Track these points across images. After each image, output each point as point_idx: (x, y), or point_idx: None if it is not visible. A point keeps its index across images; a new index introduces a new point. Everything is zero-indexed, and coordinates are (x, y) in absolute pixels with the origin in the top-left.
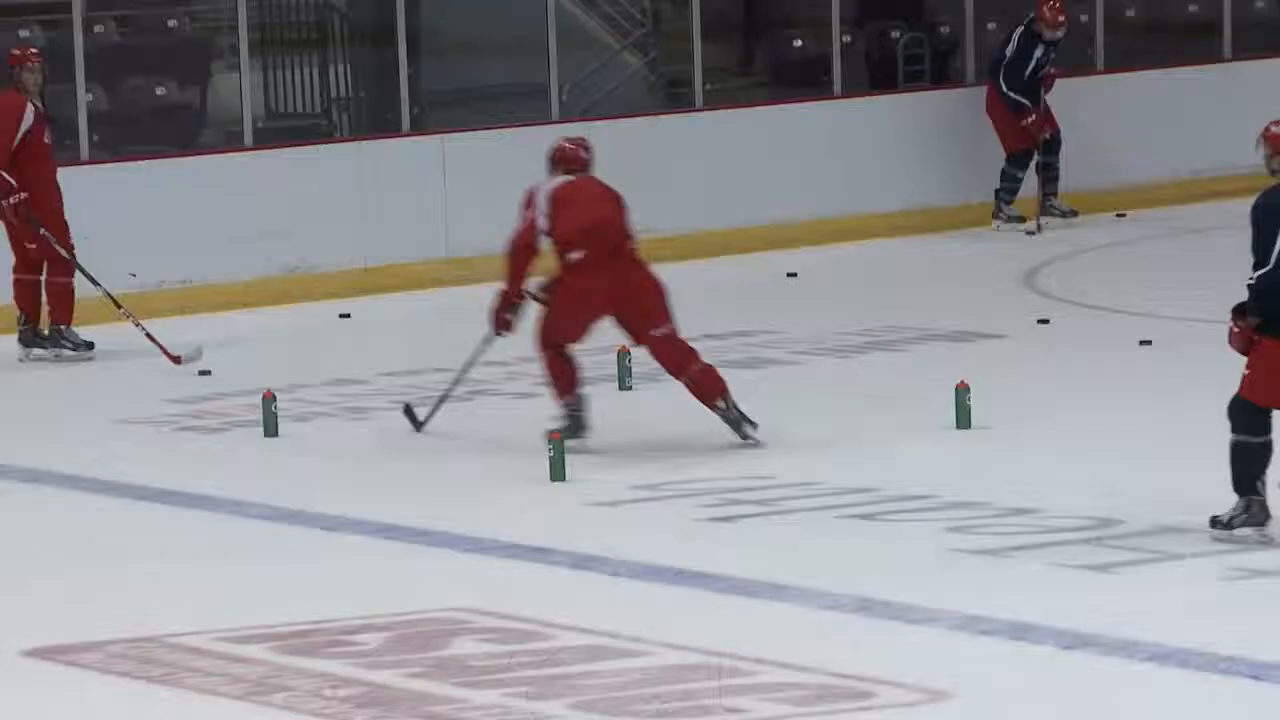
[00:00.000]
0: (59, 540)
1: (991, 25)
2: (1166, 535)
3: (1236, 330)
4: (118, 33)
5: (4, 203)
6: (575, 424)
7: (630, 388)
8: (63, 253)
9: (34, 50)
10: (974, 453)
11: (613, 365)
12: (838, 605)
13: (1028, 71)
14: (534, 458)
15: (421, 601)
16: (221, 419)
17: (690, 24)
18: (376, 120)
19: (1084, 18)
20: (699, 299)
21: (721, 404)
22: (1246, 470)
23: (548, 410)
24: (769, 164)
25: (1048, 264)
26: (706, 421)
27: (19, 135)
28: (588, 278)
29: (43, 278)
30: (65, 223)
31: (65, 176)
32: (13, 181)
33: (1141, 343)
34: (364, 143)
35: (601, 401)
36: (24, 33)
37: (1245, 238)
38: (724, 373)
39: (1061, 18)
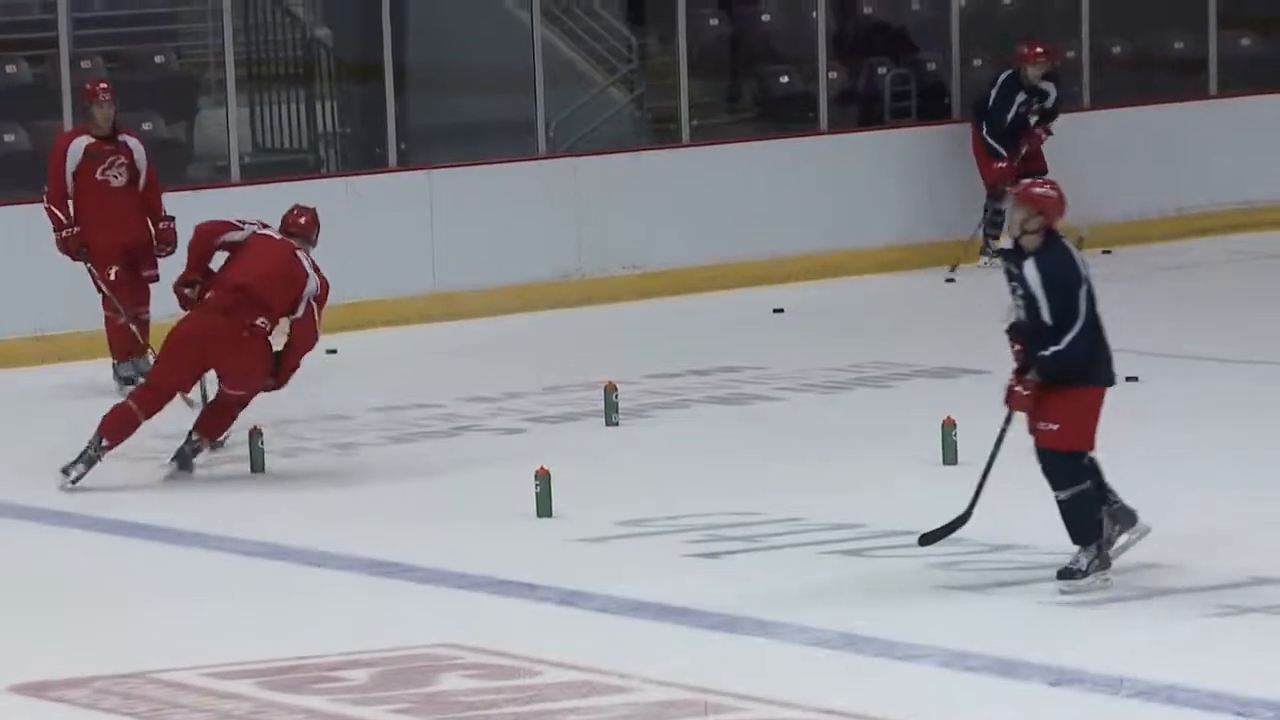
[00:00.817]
0: (45, 576)
1: (978, 62)
2: (1152, 571)
3: (1023, 392)
4: (105, 68)
5: (60, 234)
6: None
7: (617, 423)
8: (104, 289)
9: (104, 85)
10: (960, 489)
11: (600, 401)
12: (824, 641)
13: (1009, 118)
14: (520, 493)
15: (408, 637)
16: (208, 455)
17: (677, 59)
18: (363, 156)
19: (1071, 54)
20: (685, 334)
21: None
22: (1089, 518)
23: (535, 445)
24: (755, 199)
25: None
26: (694, 458)
27: (68, 172)
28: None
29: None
30: (109, 259)
31: (42, 214)
32: (63, 217)
33: (1128, 379)
34: (350, 178)
35: (588, 437)
36: (10, 68)
37: (1235, 274)
38: (708, 409)
39: (1040, 49)
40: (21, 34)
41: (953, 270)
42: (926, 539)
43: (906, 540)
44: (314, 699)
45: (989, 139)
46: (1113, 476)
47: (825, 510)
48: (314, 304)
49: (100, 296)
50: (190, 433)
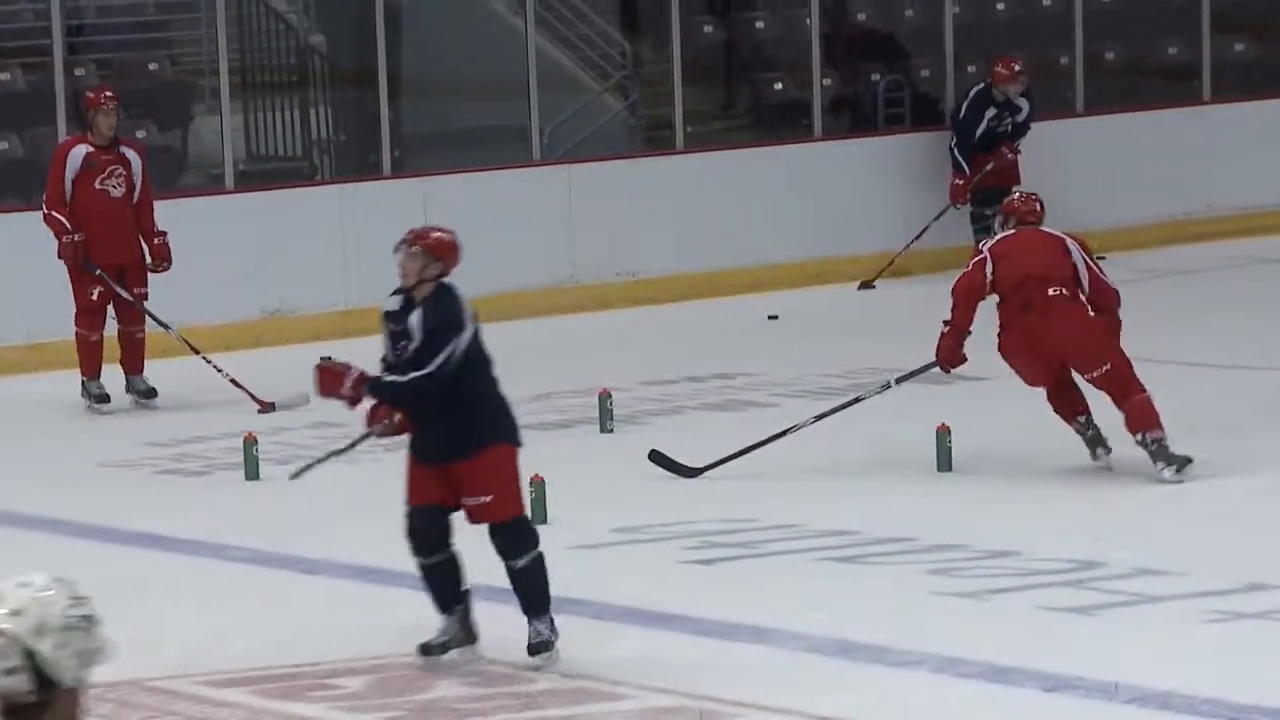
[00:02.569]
0: None
1: (972, 69)
2: (1147, 578)
3: (383, 422)
4: (99, 76)
5: (62, 240)
6: None
7: (611, 430)
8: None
9: (108, 94)
10: (955, 495)
11: (595, 408)
12: (819, 648)
13: (978, 132)
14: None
15: (403, 645)
16: (203, 462)
17: (671, 67)
18: (357, 163)
19: (1064, 60)
20: (679, 341)
21: None
22: (546, 581)
23: (529, 452)
24: (749, 206)
25: None
26: (689, 462)
27: (68, 178)
28: None
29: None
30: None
31: (38, 221)
32: (65, 223)
33: None
34: (345, 185)
35: (583, 444)
36: (4, 75)
37: (1231, 280)
38: (703, 415)
39: (1015, 68)
40: (15, 41)
41: (873, 281)
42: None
43: (901, 547)
44: (308, 707)
45: (954, 151)
46: (1107, 481)
47: (819, 517)
48: None
49: (76, 312)
50: None
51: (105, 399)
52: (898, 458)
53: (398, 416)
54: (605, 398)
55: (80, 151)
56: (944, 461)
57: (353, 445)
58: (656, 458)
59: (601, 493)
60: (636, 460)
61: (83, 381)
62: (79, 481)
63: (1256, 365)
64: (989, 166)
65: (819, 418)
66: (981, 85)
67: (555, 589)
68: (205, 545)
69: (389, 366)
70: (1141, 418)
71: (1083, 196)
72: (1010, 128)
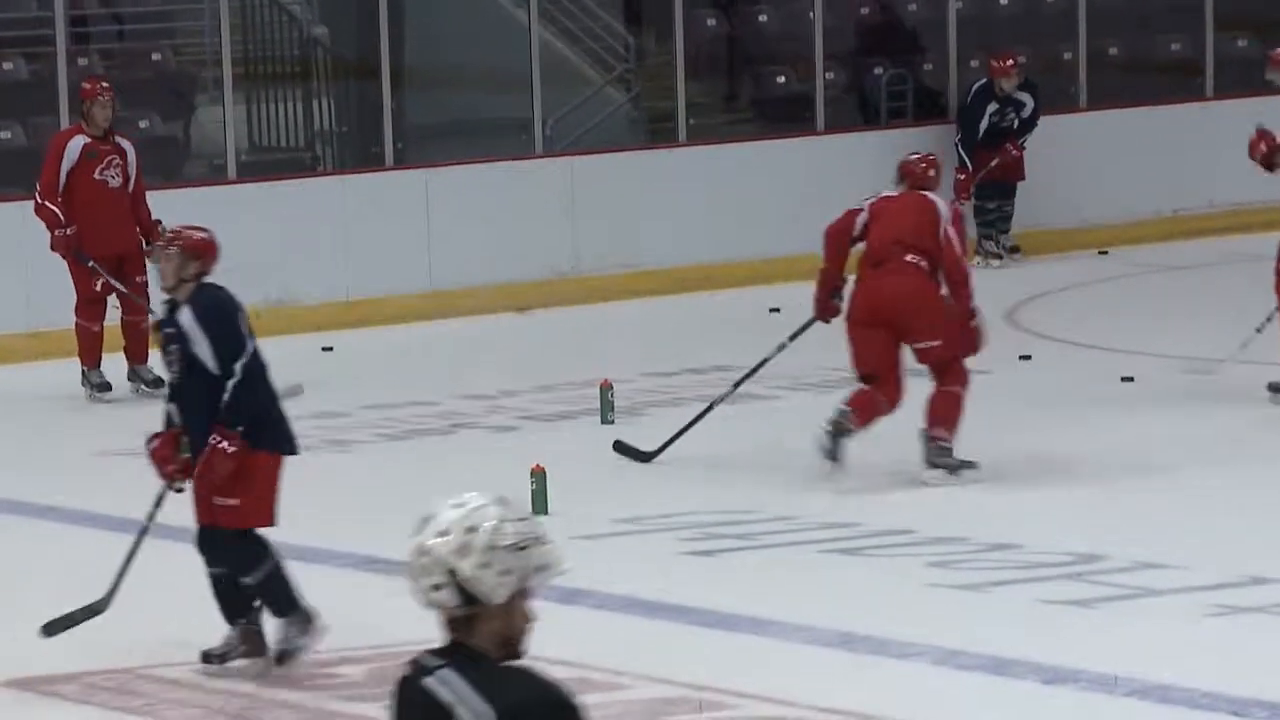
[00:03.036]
0: (36, 571)
1: (974, 63)
2: (1147, 571)
3: (225, 450)
4: (101, 66)
5: (55, 233)
6: None
7: (612, 421)
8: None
9: (105, 85)
10: (956, 488)
11: (596, 399)
12: (819, 639)
13: (981, 128)
14: (516, 491)
15: (403, 634)
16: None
17: (674, 59)
18: (360, 154)
19: (1067, 56)
20: (681, 333)
21: None
22: (287, 587)
23: (530, 443)
24: (752, 199)
25: (1030, 300)
26: (689, 456)
27: (65, 169)
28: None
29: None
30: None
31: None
32: (59, 214)
33: (1124, 379)
34: (347, 176)
35: (584, 435)
36: (7, 65)
37: (1228, 275)
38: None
39: (1011, 62)
40: (18, 31)
41: None
42: (51, 628)
43: (901, 539)
44: (307, 695)
45: (958, 147)
46: (1108, 475)
47: (821, 509)
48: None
49: (77, 302)
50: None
51: (106, 388)
52: (898, 450)
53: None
54: (606, 389)
55: (79, 142)
56: None
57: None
58: (620, 448)
59: (602, 484)
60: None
61: (83, 371)
62: (79, 470)
63: (1254, 360)
64: (993, 163)
65: (736, 385)
66: (984, 81)
67: (557, 579)
68: None
69: (173, 389)
70: (941, 411)
71: (1085, 191)
72: (1015, 123)
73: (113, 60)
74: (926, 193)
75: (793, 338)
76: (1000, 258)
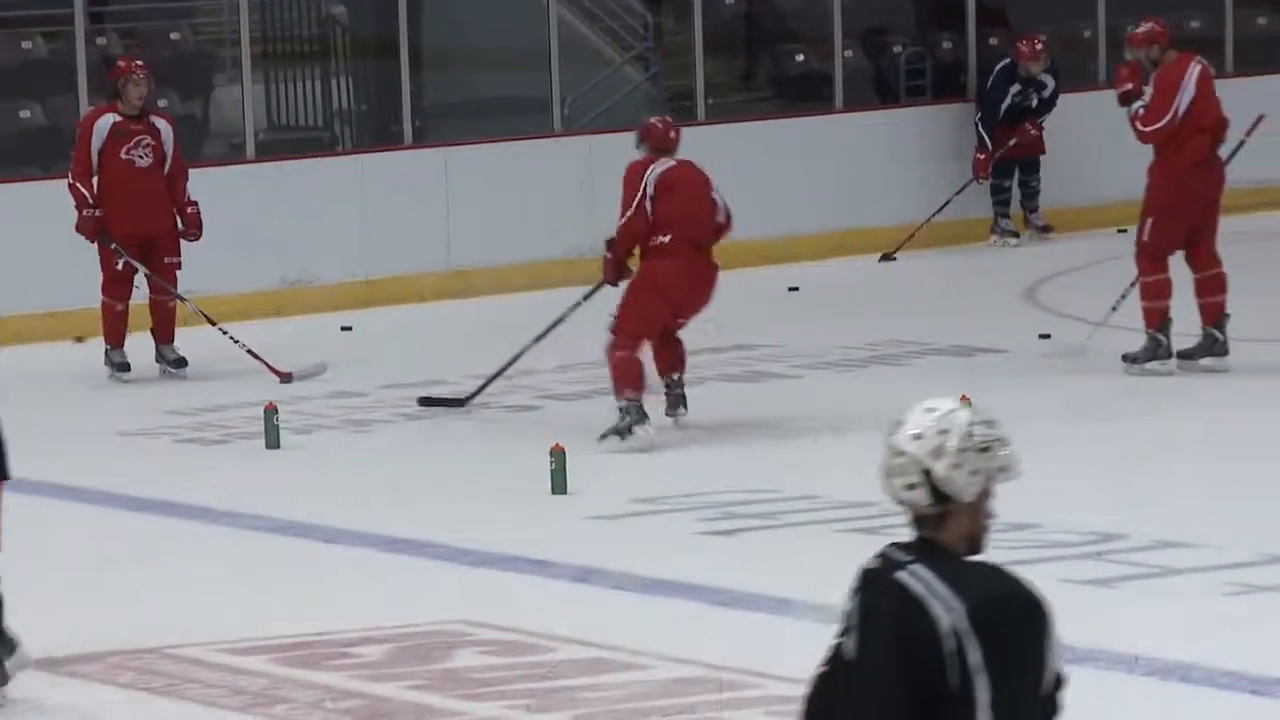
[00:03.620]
0: (58, 552)
1: (993, 41)
2: (1168, 550)
3: None
4: (120, 45)
5: (81, 213)
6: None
7: None
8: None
9: (139, 63)
10: None
11: None
12: (838, 619)
13: (1002, 108)
14: (535, 470)
15: (422, 614)
16: (223, 431)
17: (692, 38)
18: (378, 133)
19: (1087, 33)
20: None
21: None
22: None
23: (549, 423)
24: (771, 178)
25: (1049, 279)
26: (709, 435)
27: (94, 148)
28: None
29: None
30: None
31: (62, 188)
32: (88, 196)
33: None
34: (365, 155)
35: (603, 414)
36: (26, 44)
37: (1246, 253)
38: (724, 387)
39: (1038, 47)
40: (38, 10)
41: (894, 253)
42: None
43: None
44: (329, 675)
45: (977, 126)
46: (1128, 453)
47: (840, 488)
48: None
49: (102, 280)
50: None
51: (125, 368)
52: None
53: None
54: None
55: (107, 121)
56: None
57: None
58: (427, 401)
59: (622, 463)
60: (656, 430)
61: (106, 350)
62: (98, 450)
63: (1269, 338)
64: (1012, 141)
65: (538, 339)
66: (1007, 61)
67: (576, 559)
68: (225, 514)
69: None
70: (666, 363)
71: (1103, 168)
72: (1036, 103)
73: (132, 39)
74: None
75: (587, 297)
76: (1017, 236)
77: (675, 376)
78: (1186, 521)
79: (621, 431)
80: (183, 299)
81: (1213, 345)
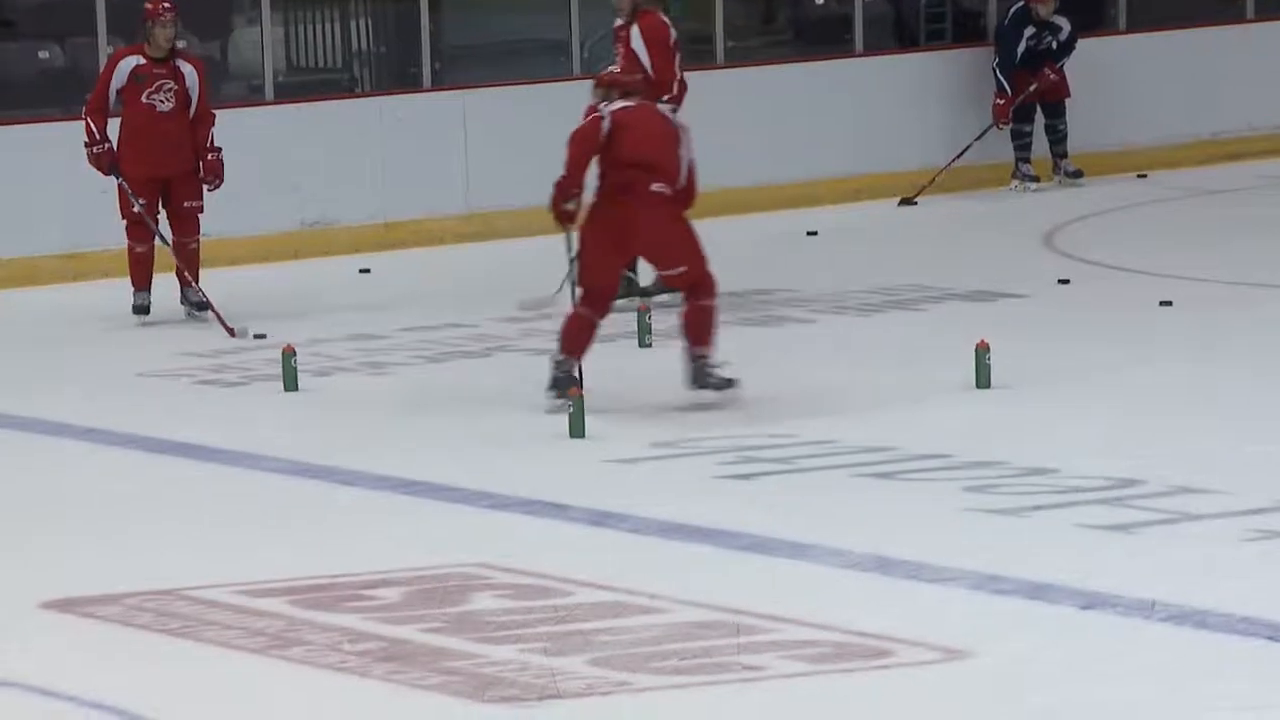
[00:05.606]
0: (77, 493)
1: None
2: (1186, 496)
3: None
4: None
5: (89, 149)
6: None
7: (650, 345)
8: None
9: (167, 5)
10: (993, 412)
11: (633, 322)
12: (856, 564)
13: (1019, 52)
14: (553, 414)
15: (440, 557)
16: (241, 373)
17: None
18: (398, 75)
19: None
20: (719, 257)
21: None
22: None
23: None
24: (790, 122)
25: (1068, 224)
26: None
27: (114, 88)
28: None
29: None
30: (139, 192)
31: (78, 130)
32: (97, 132)
33: (1162, 303)
34: (385, 98)
35: (621, 358)
36: None
37: (1267, 198)
38: (745, 330)
39: None
40: None
41: (914, 198)
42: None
43: (939, 464)
44: (346, 617)
45: (996, 71)
46: (1146, 399)
47: (858, 433)
48: None
49: (124, 223)
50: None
51: (143, 310)
52: (936, 374)
53: None
54: (644, 313)
55: (129, 64)
56: (983, 378)
57: None
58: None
59: (639, 407)
60: (675, 375)
61: (133, 292)
62: (117, 391)
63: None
64: (1032, 87)
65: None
66: (1020, 4)
67: (594, 503)
68: (243, 456)
69: None
70: (696, 328)
71: (1124, 114)
72: (1053, 45)
73: None
74: (656, 108)
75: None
76: (1037, 180)
77: (697, 349)
78: (1204, 467)
79: (718, 384)
80: (165, 241)
81: None
